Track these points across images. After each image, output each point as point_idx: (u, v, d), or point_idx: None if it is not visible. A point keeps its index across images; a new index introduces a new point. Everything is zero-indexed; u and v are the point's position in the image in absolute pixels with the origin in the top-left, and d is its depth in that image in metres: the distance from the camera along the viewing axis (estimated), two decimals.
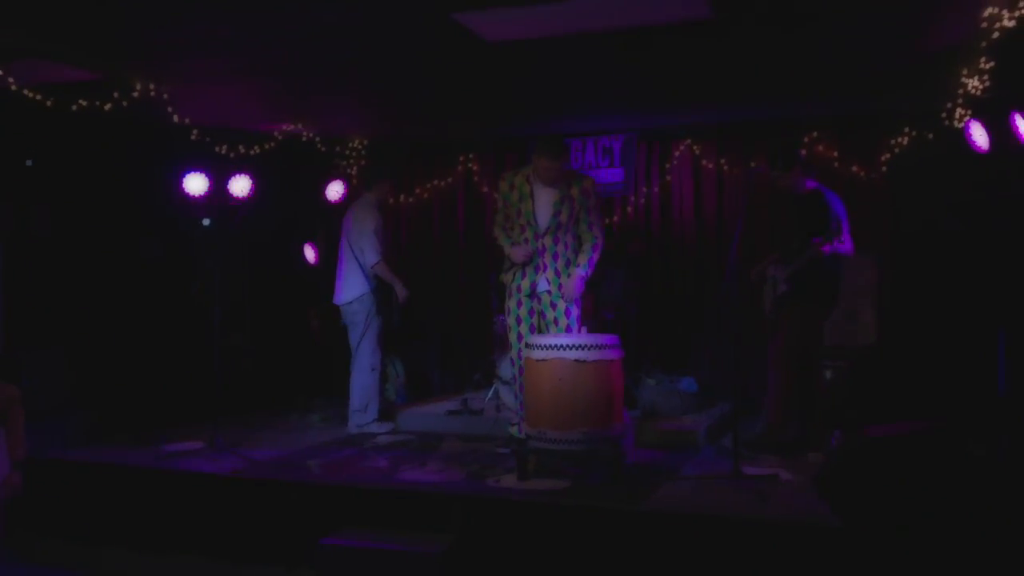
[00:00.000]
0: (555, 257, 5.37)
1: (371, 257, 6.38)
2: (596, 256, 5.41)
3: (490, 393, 6.73)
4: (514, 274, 5.46)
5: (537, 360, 4.85)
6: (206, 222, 6.07)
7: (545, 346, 4.83)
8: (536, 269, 5.38)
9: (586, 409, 4.74)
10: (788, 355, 5.47)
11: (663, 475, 5.00)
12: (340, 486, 4.86)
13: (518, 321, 5.47)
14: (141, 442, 5.83)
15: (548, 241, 5.36)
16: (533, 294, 5.42)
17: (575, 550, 4.27)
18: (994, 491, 3.99)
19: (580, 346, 4.76)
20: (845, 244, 5.31)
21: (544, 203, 5.35)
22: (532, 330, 5.44)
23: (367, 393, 6.45)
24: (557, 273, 5.37)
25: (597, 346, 4.80)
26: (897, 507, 3.87)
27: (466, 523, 4.42)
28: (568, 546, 4.28)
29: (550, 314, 5.40)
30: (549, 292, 5.38)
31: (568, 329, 5.36)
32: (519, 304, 5.46)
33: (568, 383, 4.74)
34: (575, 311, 5.43)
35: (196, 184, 5.84)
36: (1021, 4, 4.27)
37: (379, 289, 6.49)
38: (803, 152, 5.58)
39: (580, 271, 5.34)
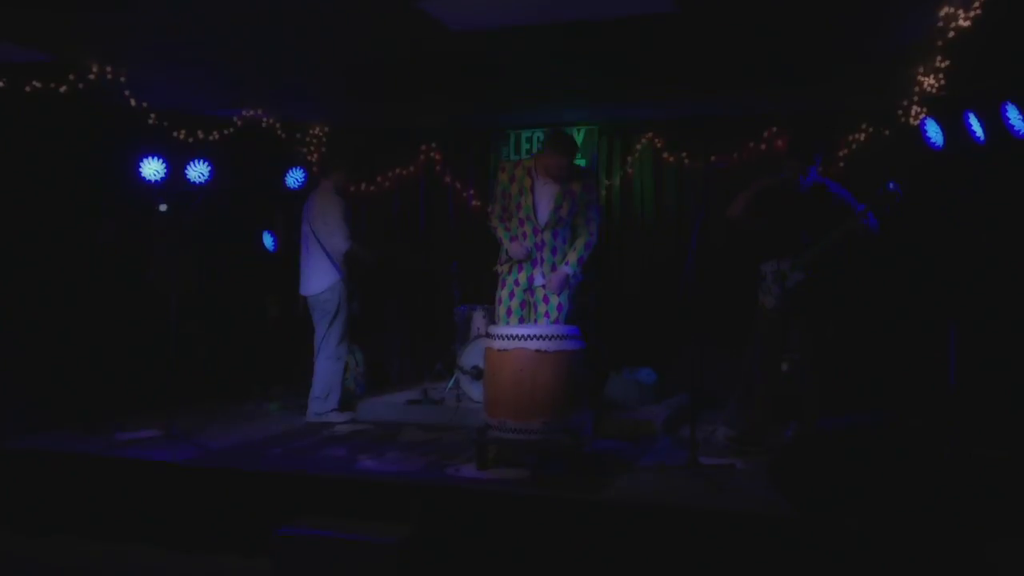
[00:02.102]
0: (553, 251, 5.41)
1: (343, 244, 6.35)
2: (587, 254, 5.44)
3: (451, 383, 6.73)
4: (511, 267, 5.47)
5: (498, 350, 4.85)
6: (163, 207, 5.98)
7: (506, 336, 4.83)
8: (533, 263, 5.42)
9: (546, 399, 4.75)
10: (823, 353, 5.39)
11: (622, 465, 5.03)
12: (297, 475, 4.83)
13: (508, 312, 5.49)
14: (94, 430, 5.73)
15: (547, 236, 5.39)
16: (530, 287, 5.45)
17: (534, 539, 4.28)
18: (943, 480, 4.08)
19: (541, 336, 4.78)
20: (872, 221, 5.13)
21: (545, 198, 5.36)
22: (522, 321, 5.47)
23: (330, 381, 6.42)
24: (553, 268, 5.41)
25: (558, 336, 4.81)
26: (850, 497, 3.95)
27: (424, 513, 4.42)
28: (527, 535, 4.30)
29: (542, 307, 5.43)
30: (544, 286, 5.41)
31: (557, 323, 5.38)
32: (511, 295, 5.48)
33: (528, 373, 4.75)
34: (567, 306, 5.44)
35: (153, 169, 5.76)
36: (976, 4, 4.35)
37: (350, 277, 6.46)
38: (822, 147, 5.38)
39: (567, 269, 5.36)
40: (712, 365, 6.98)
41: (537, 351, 4.75)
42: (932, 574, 3.72)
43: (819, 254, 5.20)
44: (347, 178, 6.95)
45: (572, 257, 5.39)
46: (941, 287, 6.15)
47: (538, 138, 7.81)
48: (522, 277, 5.47)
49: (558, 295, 5.40)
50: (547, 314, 5.42)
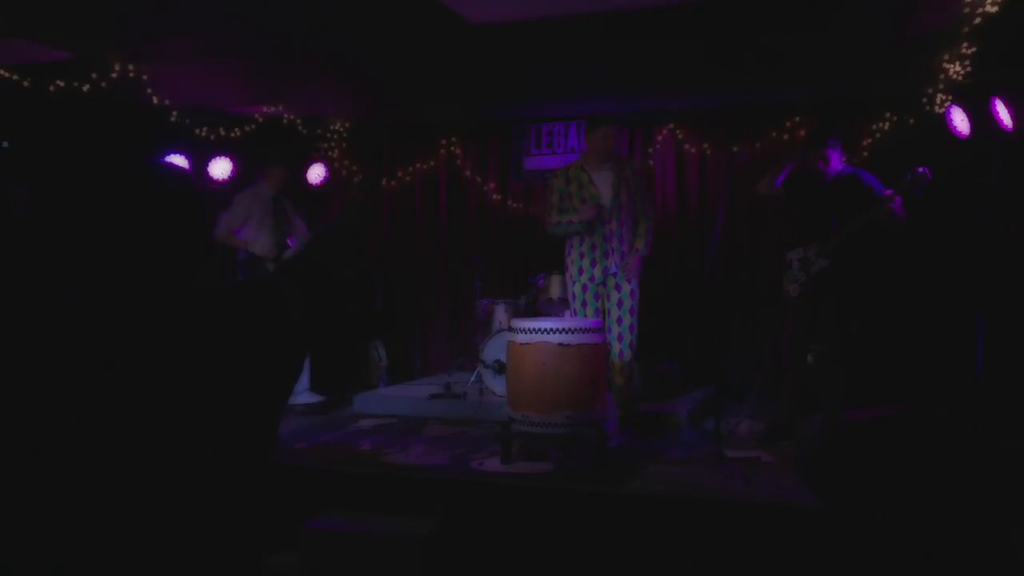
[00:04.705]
0: (621, 240, 5.57)
1: (218, 228, 6.34)
2: (651, 237, 5.68)
3: (473, 377, 6.73)
4: (584, 267, 5.62)
5: (521, 344, 4.85)
6: None
7: (529, 330, 4.82)
8: (605, 254, 5.56)
9: (569, 393, 4.74)
10: (848, 344, 5.31)
11: (646, 458, 5.02)
12: (324, 470, 4.86)
13: (584, 305, 5.65)
14: None
15: (615, 225, 5.55)
16: (604, 281, 5.60)
17: (559, 533, 4.28)
18: (971, 472, 4.04)
19: (563, 330, 4.76)
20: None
21: (604, 185, 5.57)
22: (597, 312, 5.60)
23: None
24: (623, 256, 5.57)
25: (580, 330, 4.80)
26: (877, 488, 3.92)
27: (450, 507, 4.43)
28: (552, 529, 4.29)
29: (615, 296, 5.59)
30: (615, 275, 5.57)
31: (632, 310, 5.57)
32: (584, 289, 5.63)
33: (551, 367, 4.74)
34: (638, 292, 5.61)
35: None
36: None
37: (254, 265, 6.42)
38: (838, 134, 5.36)
39: (641, 252, 5.60)
40: (736, 356, 6.97)
41: (560, 344, 4.74)
42: (959, 564, 3.68)
43: (844, 241, 5.15)
44: (284, 174, 6.61)
45: (640, 243, 5.62)
46: (968, 276, 6.08)
47: (559, 131, 7.81)
48: (597, 271, 5.57)
49: (636, 279, 5.59)
50: (620, 302, 5.56)
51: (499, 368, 6.24)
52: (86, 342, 1.54)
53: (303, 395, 6.44)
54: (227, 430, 1.60)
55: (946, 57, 5.40)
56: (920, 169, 4.85)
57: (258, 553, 1.75)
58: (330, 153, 8.14)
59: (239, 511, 1.65)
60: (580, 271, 5.63)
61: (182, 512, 1.54)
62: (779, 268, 5.63)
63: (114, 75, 5.68)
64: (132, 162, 1.74)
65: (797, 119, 7.08)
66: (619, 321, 5.57)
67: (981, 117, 5.45)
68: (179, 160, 5.80)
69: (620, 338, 5.57)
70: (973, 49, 5.10)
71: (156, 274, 1.66)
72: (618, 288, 5.57)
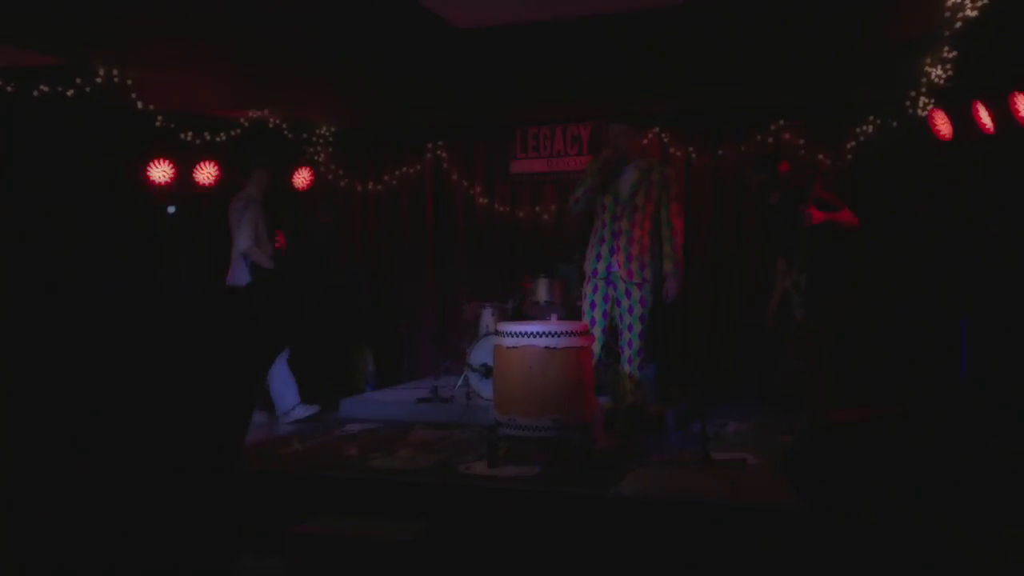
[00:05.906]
0: (630, 241, 5.42)
1: (243, 243, 6.08)
2: (679, 254, 5.50)
3: (460, 381, 6.73)
4: (591, 259, 5.53)
5: (507, 347, 4.85)
6: (171, 210, 5.98)
7: (515, 333, 4.83)
8: (611, 251, 5.44)
9: (556, 396, 4.75)
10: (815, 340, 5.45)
11: (632, 460, 5.02)
12: (310, 475, 4.84)
13: (592, 306, 5.52)
14: None
15: (624, 224, 5.42)
16: (608, 278, 5.47)
17: (546, 536, 4.28)
18: (954, 473, 4.06)
19: (550, 333, 4.77)
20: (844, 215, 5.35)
21: (625, 181, 5.45)
22: (605, 316, 5.49)
23: (278, 386, 6.30)
24: (629, 258, 5.42)
25: (567, 333, 4.81)
26: (862, 490, 3.93)
27: (436, 511, 4.43)
28: (539, 532, 4.30)
29: (625, 302, 5.46)
30: (623, 279, 5.43)
31: (642, 318, 5.44)
32: (595, 289, 5.51)
33: (538, 370, 4.75)
34: (650, 301, 5.49)
35: (161, 171, 5.77)
36: None
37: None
38: (783, 166, 5.59)
39: (671, 274, 5.46)
40: (724, 358, 6.99)
41: (546, 348, 4.75)
42: (945, 564, 3.71)
43: (806, 251, 5.38)
44: (270, 176, 6.49)
45: (668, 265, 5.47)
46: (952, 277, 6.13)
47: (545, 135, 7.84)
48: (601, 266, 5.46)
49: (672, 299, 5.53)
50: (631, 309, 5.45)
51: (486, 372, 6.24)
52: (49, 347, 1.53)
53: (297, 410, 6.28)
54: (190, 435, 1.59)
55: (928, 61, 5.44)
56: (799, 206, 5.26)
57: (228, 558, 1.74)
58: (316, 158, 8.13)
59: (205, 517, 1.64)
60: (588, 266, 5.56)
61: (145, 518, 1.53)
62: (779, 296, 5.82)
63: (99, 80, 5.66)
64: (78, 169, 1.74)
65: (782, 122, 7.12)
66: (630, 328, 5.47)
67: (963, 120, 5.49)
68: (164, 165, 5.77)
69: (630, 344, 5.49)
70: (954, 53, 5.14)
71: (115, 279, 1.65)
72: (628, 294, 5.45)
